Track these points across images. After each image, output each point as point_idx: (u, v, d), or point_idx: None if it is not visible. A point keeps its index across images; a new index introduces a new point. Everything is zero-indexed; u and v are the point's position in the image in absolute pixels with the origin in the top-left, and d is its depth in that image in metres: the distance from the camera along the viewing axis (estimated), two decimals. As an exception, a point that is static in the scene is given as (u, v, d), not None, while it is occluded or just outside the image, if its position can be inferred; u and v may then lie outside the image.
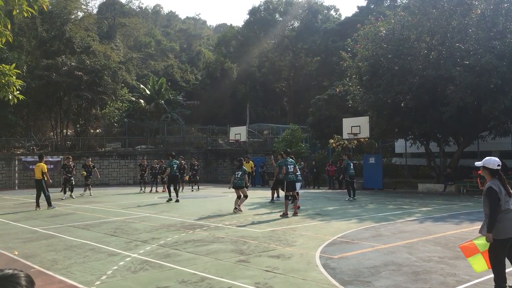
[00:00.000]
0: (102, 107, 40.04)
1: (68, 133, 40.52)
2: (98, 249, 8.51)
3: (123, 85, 44.23)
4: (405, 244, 8.57)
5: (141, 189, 24.58)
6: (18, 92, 7.54)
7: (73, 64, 36.10)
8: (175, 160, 19.01)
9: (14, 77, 7.36)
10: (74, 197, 20.22)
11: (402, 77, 21.06)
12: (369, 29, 23.53)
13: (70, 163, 20.68)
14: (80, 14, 47.44)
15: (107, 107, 39.25)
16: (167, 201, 18.23)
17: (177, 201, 18.02)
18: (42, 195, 15.96)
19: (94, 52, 40.37)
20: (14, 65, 7.52)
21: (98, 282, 6.22)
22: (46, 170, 16.06)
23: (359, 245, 8.55)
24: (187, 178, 26.64)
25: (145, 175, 25.26)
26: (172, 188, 18.53)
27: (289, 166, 13.73)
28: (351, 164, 19.09)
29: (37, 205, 15.90)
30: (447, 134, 24.00)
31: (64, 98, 37.40)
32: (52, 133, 39.55)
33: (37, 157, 21.47)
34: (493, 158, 5.33)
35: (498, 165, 5.19)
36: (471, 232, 9.95)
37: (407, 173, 28.44)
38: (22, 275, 1.62)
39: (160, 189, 24.10)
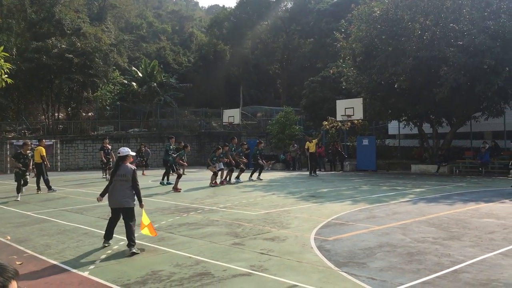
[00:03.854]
0: (93, 90, 39.71)
1: (60, 116, 40.18)
2: (91, 233, 8.48)
3: (114, 67, 43.83)
4: (399, 225, 8.60)
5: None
6: (6, 75, 7.41)
7: (64, 46, 35.64)
8: (168, 143, 18.87)
9: (2, 60, 7.23)
10: (19, 199, 13.92)
11: (396, 58, 20.95)
12: (363, 10, 23.30)
13: (28, 152, 14.77)
14: (70, -5, 46.63)
15: (99, 90, 38.91)
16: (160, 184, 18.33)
17: (166, 184, 18.15)
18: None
19: (85, 34, 39.78)
20: (2, 48, 7.37)
21: (92, 266, 6.20)
22: (44, 154, 16.06)
23: (353, 227, 8.58)
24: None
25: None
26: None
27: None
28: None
29: (38, 188, 15.92)
30: (440, 115, 24.01)
31: (55, 81, 37.00)
32: (43, 116, 39.20)
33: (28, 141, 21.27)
34: (122, 148, 7.48)
35: (118, 153, 7.40)
36: (464, 212, 10.02)
37: (400, 155, 28.54)
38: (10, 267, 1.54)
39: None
